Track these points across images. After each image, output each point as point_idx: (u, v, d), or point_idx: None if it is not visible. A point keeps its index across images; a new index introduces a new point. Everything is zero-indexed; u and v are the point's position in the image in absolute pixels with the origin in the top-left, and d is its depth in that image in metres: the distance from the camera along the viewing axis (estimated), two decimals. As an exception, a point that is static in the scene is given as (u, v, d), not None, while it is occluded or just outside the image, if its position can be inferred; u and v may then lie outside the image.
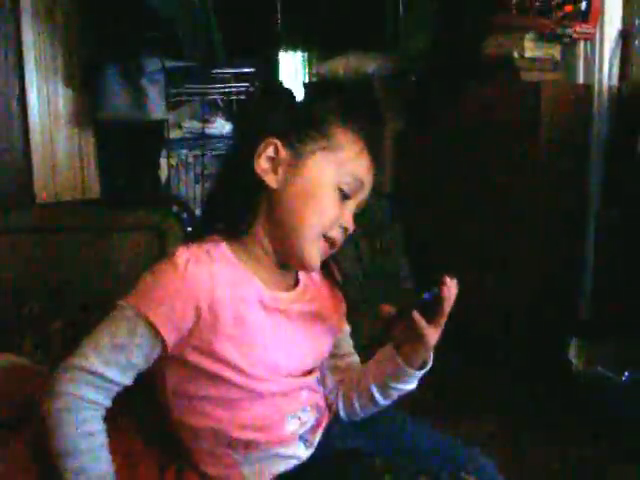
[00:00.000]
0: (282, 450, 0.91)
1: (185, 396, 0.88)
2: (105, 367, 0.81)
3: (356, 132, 0.93)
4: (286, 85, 3.75)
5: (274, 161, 0.89)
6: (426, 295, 0.87)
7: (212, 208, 0.96)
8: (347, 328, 1.05)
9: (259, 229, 0.91)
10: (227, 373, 0.85)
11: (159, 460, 0.90)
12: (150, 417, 0.96)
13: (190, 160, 2.60)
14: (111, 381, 0.82)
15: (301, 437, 0.93)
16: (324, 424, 0.98)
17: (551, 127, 2.00)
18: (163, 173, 2.50)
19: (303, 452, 0.93)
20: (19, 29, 2.06)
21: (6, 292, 1.44)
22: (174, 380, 0.88)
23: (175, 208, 1.83)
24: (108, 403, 0.84)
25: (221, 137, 2.60)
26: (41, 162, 2.15)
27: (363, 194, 0.93)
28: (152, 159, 2.46)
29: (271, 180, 0.89)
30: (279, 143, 0.89)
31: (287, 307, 0.91)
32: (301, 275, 0.96)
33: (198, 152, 2.59)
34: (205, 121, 2.58)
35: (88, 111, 2.24)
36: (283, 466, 0.91)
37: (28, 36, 2.07)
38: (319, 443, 0.96)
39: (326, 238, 0.90)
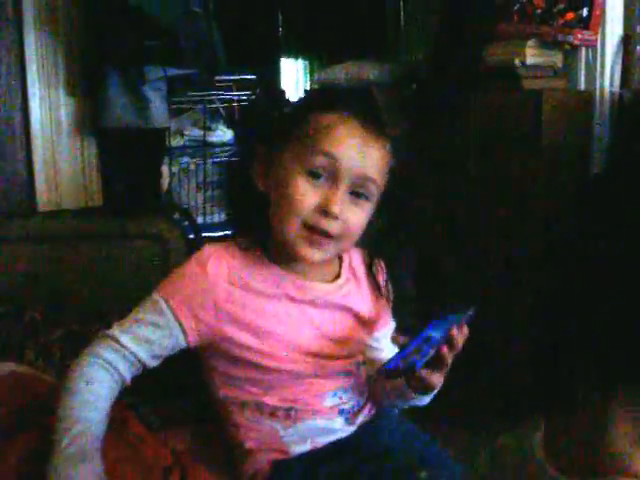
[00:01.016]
0: (323, 422, 0.94)
1: (225, 374, 0.94)
2: (121, 333, 0.88)
3: (329, 110, 0.91)
4: (283, 92, 3.77)
5: (263, 166, 0.95)
6: (418, 364, 0.84)
7: (237, 214, 1.04)
8: (390, 327, 1.05)
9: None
10: (252, 357, 0.91)
11: (164, 464, 0.91)
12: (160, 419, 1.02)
13: (191, 167, 2.60)
14: (124, 346, 0.87)
15: (342, 412, 0.96)
16: (367, 409, 1.00)
17: (553, 134, 2.00)
18: (165, 181, 2.50)
19: (344, 426, 0.95)
20: (21, 38, 2.06)
21: (7, 301, 1.44)
22: (213, 360, 0.94)
23: (177, 216, 1.83)
24: (123, 370, 0.87)
25: (222, 145, 2.60)
26: (43, 170, 2.15)
27: (347, 172, 0.88)
28: (154, 167, 2.46)
29: (260, 184, 0.95)
30: (265, 149, 0.95)
31: (316, 297, 0.95)
32: (344, 270, 1.00)
33: (199, 160, 2.59)
34: (207, 129, 2.58)
35: (90, 119, 2.24)
36: (325, 438, 0.94)
37: (30, 45, 2.08)
38: (362, 427, 0.98)
39: (311, 227, 0.88)
